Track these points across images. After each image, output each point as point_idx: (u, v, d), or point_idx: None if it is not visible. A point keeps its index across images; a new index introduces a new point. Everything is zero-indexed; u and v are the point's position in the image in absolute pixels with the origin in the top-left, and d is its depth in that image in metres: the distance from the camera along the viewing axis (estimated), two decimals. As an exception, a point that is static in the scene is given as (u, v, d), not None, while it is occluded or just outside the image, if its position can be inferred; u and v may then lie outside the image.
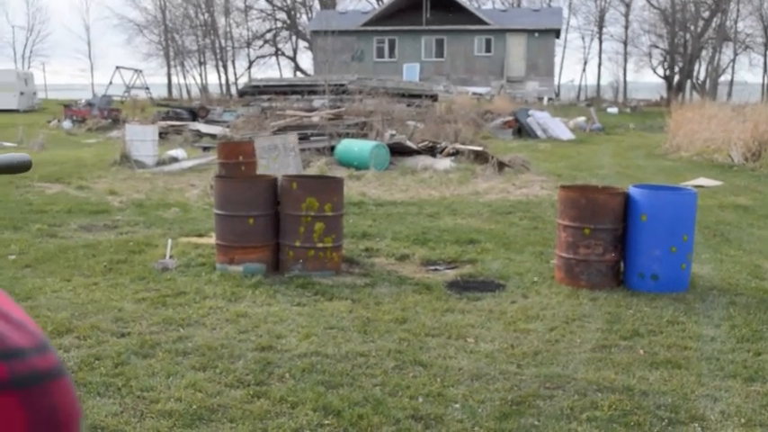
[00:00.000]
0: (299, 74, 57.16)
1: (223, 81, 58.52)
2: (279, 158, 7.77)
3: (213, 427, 4.07)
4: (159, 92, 51.99)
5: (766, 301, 6.59)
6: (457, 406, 4.38)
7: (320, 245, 7.25)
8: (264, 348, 5.26)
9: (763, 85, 53.81)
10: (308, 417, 4.18)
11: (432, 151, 16.54)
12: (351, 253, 8.12)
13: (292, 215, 7.25)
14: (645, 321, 6.00)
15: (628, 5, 57.61)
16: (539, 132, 26.30)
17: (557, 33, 47.79)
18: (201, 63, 59.30)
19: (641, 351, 5.35)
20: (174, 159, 16.26)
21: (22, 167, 0.77)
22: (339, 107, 21.73)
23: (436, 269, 7.76)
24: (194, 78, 61.01)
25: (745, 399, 4.55)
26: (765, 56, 55.30)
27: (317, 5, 59.27)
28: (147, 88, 46.42)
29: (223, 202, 7.39)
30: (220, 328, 5.72)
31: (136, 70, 46.16)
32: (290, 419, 4.16)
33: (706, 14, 54.35)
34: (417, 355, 5.19)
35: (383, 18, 46.91)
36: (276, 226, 7.39)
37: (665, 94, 51.25)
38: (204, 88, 56.18)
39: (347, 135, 17.11)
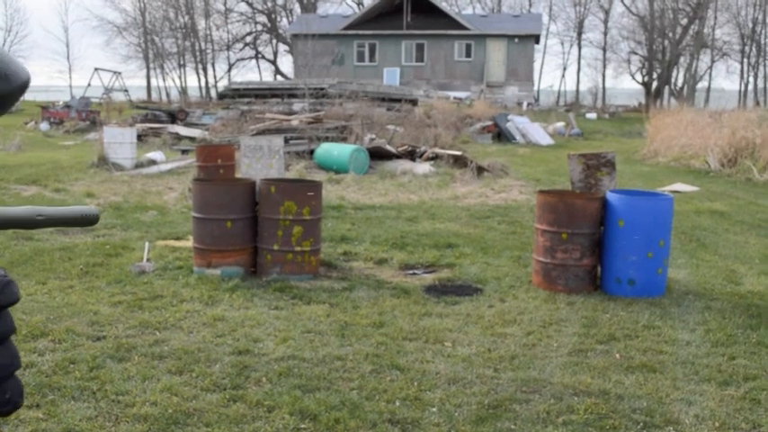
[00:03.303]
0: (279, 77, 57.03)
1: (203, 84, 58.30)
2: (262, 159, 7.75)
3: (187, 431, 4.05)
4: (138, 94, 51.75)
5: (741, 306, 6.65)
6: (434, 410, 4.38)
7: (298, 249, 7.23)
8: (241, 352, 5.24)
9: (739, 92, 54.41)
10: (285, 421, 4.17)
11: (411, 155, 16.57)
12: (329, 257, 8.11)
13: (270, 219, 7.23)
14: (621, 326, 6.04)
15: (607, 12, 58.09)
16: (518, 137, 26.41)
17: (536, 39, 48.01)
18: (181, 65, 59.00)
19: (617, 355, 5.38)
20: (153, 162, 16.17)
21: (87, 221, 0.76)
22: (319, 111, 21.72)
23: (414, 273, 7.77)
24: (174, 81, 60.76)
25: (719, 402, 4.58)
26: (742, 63, 55.91)
27: (297, 9, 59.18)
28: (126, 90, 46.24)
29: (201, 205, 7.35)
30: (197, 331, 5.69)
31: (115, 72, 46.00)
32: (266, 423, 4.14)
33: (684, 22, 54.85)
34: (394, 359, 5.18)
35: (364, 22, 46.93)
36: (254, 229, 7.37)
37: (643, 100, 51.66)
38: (184, 91, 55.91)
39: (327, 139, 17.10)
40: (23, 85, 0.78)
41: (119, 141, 15.53)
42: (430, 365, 5.10)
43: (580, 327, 6.02)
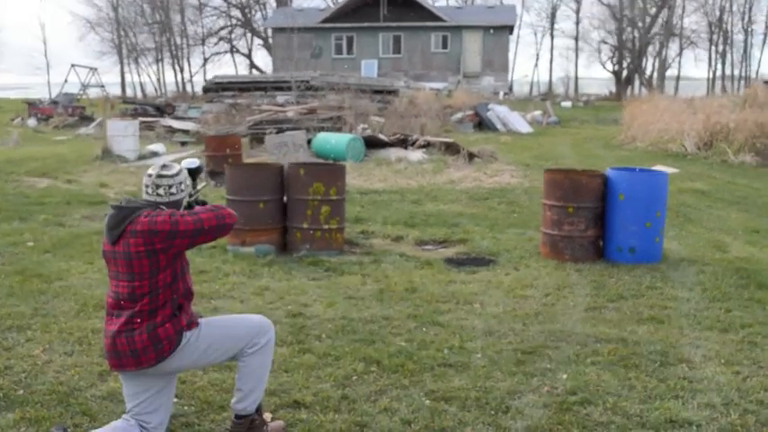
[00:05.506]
0: (254, 71, 57.28)
1: (179, 79, 58.38)
2: (288, 154, 8.34)
3: (272, 376, 4.65)
4: (114, 90, 51.72)
5: (731, 269, 7.38)
6: (478, 356, 5.03)
7: (326, 226, 7.85)
8: (295, 315, 5.86)
9: (708, 79, 55.60)
10: (353, 365, 4.80)
11: (403, 144, 17.18)
12: (348, 235, 8.71)
13: (300, 199, 7.84)
14: (627, 287, 6.74)
15: (578, 2, 58.97)
16: (499, 126, 27.12)
17: (510, 30, 48.80)
18: (158, 60, 59.02)
19: (627, 311, 6.07)
20: (155, 154, 16.67)
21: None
22: (305, 103, 22.25)
23: (431, 248, 8.41)
24: (149, 76, 60.73)
25: (722, 345, 5.29)
26: (710, 51, 57.15)
27: (271, 2, 59.46)
28: (103, 86, 46.29)
29: (235, 188, 7.94)
30: (248, 299, 6.29)
31: (91, 68, 46.01)
32: (337, 369, 4.76)
33: (653, 11, 55.90)
34: (434, 317, 5.83)
35: (341, 15, 47.40)
36: (284, 210, 7.97)
37: (614, 89, 52.70)
38: (162, 86, 55.97)
39: (321, 129, 17.67)
40: None
41: (122, 134, 16.02)
42: (466, 322, 5.75)
43: (590, 289, 6.71)
